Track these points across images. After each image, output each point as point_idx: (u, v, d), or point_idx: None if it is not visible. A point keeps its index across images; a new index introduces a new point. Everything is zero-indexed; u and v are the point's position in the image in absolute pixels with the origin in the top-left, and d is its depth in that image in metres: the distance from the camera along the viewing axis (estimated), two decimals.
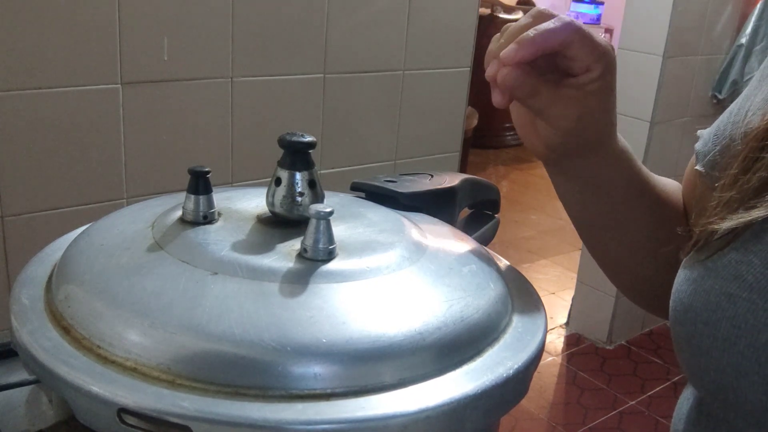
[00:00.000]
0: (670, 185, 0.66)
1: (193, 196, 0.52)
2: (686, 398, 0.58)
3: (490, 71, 0.53)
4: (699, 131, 0.62)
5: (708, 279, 0.47)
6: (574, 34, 0.51)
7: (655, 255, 0.63)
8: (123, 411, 0.39)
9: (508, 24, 0.54)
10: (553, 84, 0.54)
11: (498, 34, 0.55)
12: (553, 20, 0.51)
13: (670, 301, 0.51)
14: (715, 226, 0.47)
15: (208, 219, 0.52)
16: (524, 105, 0.56)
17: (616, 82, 0.55)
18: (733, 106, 0.58)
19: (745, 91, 0.57)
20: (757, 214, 0.45)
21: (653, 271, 0.64)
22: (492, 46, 0.54)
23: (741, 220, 0.46)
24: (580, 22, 0.52)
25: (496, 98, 0.54)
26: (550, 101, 0.54)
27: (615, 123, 0.58)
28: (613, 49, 0.54)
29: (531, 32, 0.51)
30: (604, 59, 0.53)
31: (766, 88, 0.54)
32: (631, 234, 0.64)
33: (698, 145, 0.61)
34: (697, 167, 0.60)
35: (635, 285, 0.69)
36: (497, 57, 0.52)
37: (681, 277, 0.51)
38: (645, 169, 0.63)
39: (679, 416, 0.58)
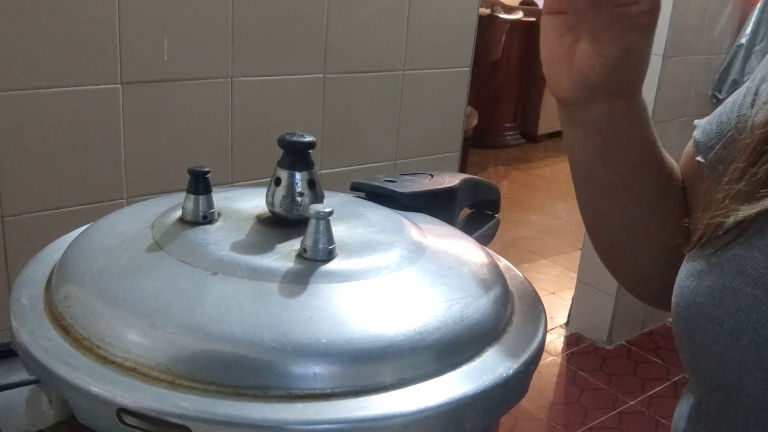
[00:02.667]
0: (673, 162, 0.66)
1: (193, 196, 0.52)
2: (687, 397, 0.58)
3: None
4: (696, 121, 0.62)
5: (711, 274, 0.47)
6: None
7: (656, 238, 0.62)
8: (123, 411, 0.39)
9: None
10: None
11: None
12: None
13: (673, 297, 0.51)
14: (723, 219, 0.47)
15: (207, 219, 0.52)
16: (581, 18, 0.54)
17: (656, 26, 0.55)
18: (734, 97, 0.58)
19: (747, 83, 0.57)
20: (766, 204, 0.45)
21: (654, 262, 0.64)
22: None
23: (750, 211, 0.46)
24: None
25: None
26: (606, 22, 0.53)
27: (645, 73, 0.57)
28: None
29: None
30: None
31: None
32: (635, 201, 0.62)
33: (698, 135, 0.60)
34: (699, 158, 0.59)
35: (637, 276, 0.68)
36: None
37: (684, 272, 0.51)
38: (653, 131, 0.62)
39: (680, 415, 0.58)
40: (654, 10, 0.53)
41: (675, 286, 0.51)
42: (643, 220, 0.63)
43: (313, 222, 0.47)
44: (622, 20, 0.52)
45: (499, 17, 4.36)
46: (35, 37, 1.19)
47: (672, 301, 0.51)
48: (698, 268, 0.49)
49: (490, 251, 0.59)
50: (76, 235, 0.54)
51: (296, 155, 0.52)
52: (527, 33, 4.71)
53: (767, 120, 0.49)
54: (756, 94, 0.55)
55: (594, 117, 0.58)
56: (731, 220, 0.47)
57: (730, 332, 0.45)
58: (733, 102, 0.58)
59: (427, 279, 0.49)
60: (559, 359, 2.58)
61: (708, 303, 0.47)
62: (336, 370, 0.41)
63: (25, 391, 0.55)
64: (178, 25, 1.33)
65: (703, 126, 0.60)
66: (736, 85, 2.46)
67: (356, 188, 0.67)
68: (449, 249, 0.55)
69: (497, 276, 0.53)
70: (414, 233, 0.54)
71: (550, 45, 0.57)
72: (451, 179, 0.70)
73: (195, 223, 0.51)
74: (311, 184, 0.52)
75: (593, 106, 0.57)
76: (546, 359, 2.55)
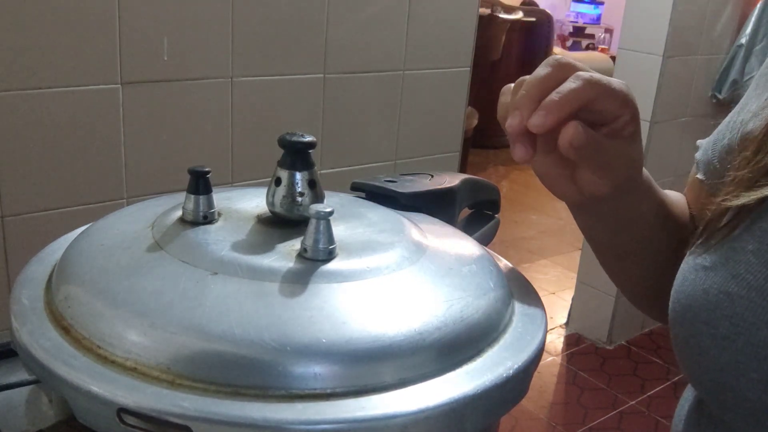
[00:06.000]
0: (676, 197, 0.66)
1: (193, 196, 0.52)
2: (686, 399, 0.58)
3: (513, 122, 0.48)
4: (698, 141, 0.62)
5: (706, 278, 0.48)
6: (595, 89, 0.48)
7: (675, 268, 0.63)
8: (123, 411, 0.39)
9: (523, 78, 0.50)
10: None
11: (509, 85, 0.51)
12: (572, 78, 0.48)
13: (669, 302, 0.51)
14: (728, 204, 0.48)
15: (208, 219, 0.52)
16: (582, 161, 0.51)
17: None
18: (731, 116, 0.58)
19: (741, 101, 0.58)
20: (766, 192, 0.46)
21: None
22: (505, 98, 0.51)
23: (753, 196, 0.47)
24: (595, 73, 0.49)
25: (519, 152, 0.49)
26: (608, 155, 0.51)
27: (643, 158, 0.56)
28: (628, 87, 0.51)
29: (555, 96, 0.47)
30: (629, 102, 0.50)
31: (764, 94, 0.54)
32: (656, 255, 0.63)
33: (698, 155, 0.61)
34: (698, 176, 0.60)
35: (658, 303, 0.68)
36: (519, 109, 0.49)
37: (680, 277, 0.51)
38: (660, 189, 0.62)
39: (680, 417, 0.58)
40: (636, 115, 0.51)
41: (672, 292, 0.51)
42: (662, 254, 0.63)
43: (313, 222, 0.47)
44: (617, 144, 0.51)
45: (499, 17, 4.36)
46: (35, 37, 1.19)
47: (669, 306, 0.51)
48: (693, 273, 0.49)
49: (490, 251, 0.59)
50: (76, 235, 0.54)
51: (296, 155, 0.52)
52: (527, 33, 4.71)
53: None
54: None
55: (605, 209, 0.57)
56: (733, 203, 0.48)
57: (725, 335, 0.45)
58: (729, 120, 0.58)
59: (427, 279, 0.49)
60: (559, 359, 2.58)
61: (703, 307, 0.47)
62: (336, 370, 0.41)
63: (25, 391, 0.55)
64: (178, 25, 1.33)
65: (703, 146, 0.61)
66: (736, 85, 2.46)
67: (356, 188, 0.67)
68: (449, 249, 0.55)
69: (497, 276, 0.53)
70: (414, 233, 0.54)
71: (545, 165, 0.53)
72: (451, 179, 0.70)
73: (195, 223, 0.51)
74: (311, 184, 0.52)
75: (604, 204, 0.56)
76: (546, 359, 2.55)
